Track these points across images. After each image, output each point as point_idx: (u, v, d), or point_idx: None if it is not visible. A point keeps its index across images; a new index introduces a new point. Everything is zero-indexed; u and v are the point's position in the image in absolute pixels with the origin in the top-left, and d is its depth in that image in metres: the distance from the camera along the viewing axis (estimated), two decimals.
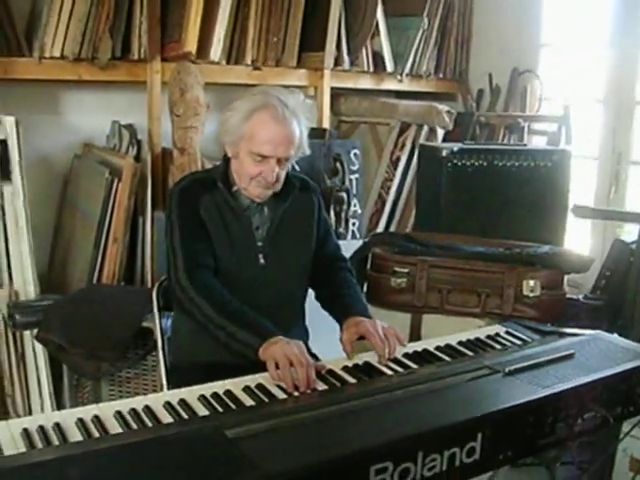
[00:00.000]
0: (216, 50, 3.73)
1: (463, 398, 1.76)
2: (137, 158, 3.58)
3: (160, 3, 3.64)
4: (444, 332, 2.37)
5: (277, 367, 1.96)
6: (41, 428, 1.60)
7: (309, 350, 2.24)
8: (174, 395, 1.84)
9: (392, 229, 4.46)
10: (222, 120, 2.33)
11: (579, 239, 4.30)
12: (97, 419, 1.66)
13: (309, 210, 2.48)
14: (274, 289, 2.35)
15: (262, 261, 2.34)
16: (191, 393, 1.85)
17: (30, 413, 3.28)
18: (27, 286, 3.26)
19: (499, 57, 4.74)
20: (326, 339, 2.31)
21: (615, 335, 2.34)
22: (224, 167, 2.38)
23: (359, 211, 4.27)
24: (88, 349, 3.00)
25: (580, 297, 3.34)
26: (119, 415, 1.69)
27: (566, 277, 3.01)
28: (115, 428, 1.64)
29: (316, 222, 2.49)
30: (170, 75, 3.58)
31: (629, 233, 3.78)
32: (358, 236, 4.17)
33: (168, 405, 1.77)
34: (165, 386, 2.47)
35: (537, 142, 4.48)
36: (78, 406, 3.14)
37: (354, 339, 2.19)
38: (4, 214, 3.19)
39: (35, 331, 3.12)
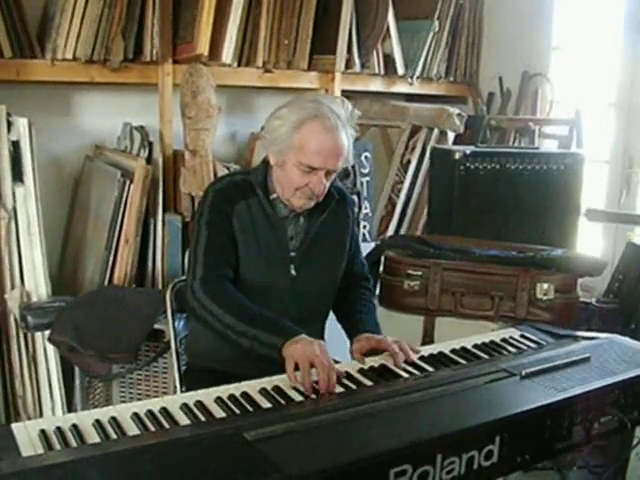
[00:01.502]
0: (227, 52, 3.72)
1: (481, 401, 1.76)
2: (148, 160, 3.58)
3: (172, 5, 3.64)
4: (457, 335, 2.36)
5: (297, 367, 1.94)
6: (58, 429, 1.60)
7: None
8: (191, 397, 1.83)
9: (402, 232, 4.45)
10: (268, 128, 2.25)
11: (591, 242, 4.28)
12: (114, 420, 1.66)
13: (345, 223, 2.45)
14: (303, 301, 2.32)
15: (293, 272, 2.31)
16: (208, 395, 1.84)
17: (41, 414, 3.28)
18: (39, 288, 3.26)
19: (510, 60, 4.73)
20: (341, 350, 2.30)
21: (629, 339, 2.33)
22: (264, 173, 2.32)
23: (370, 214, 4.27)
24: (100, 351, 3.00)
25: (593, 300, 3.33)
26: (136, 417, 1.69)
27: (580, 281, 3.00)
28: (132, 430, 1.64)
29: (349, 237, 2.46)
30: (182, 77, 3.58)
31: None
32: (369, 239, 4.16)
33: (185, 407, 1.76)
34: (179, 388, 2.47)
35: (548, 146, 4.47)
36: (89, 408, 3.17)
37: (364, 351, 2.17)
38: (16, 215, 3.19)
39: (47, 333, 3.12)
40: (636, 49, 4.11)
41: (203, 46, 3.60)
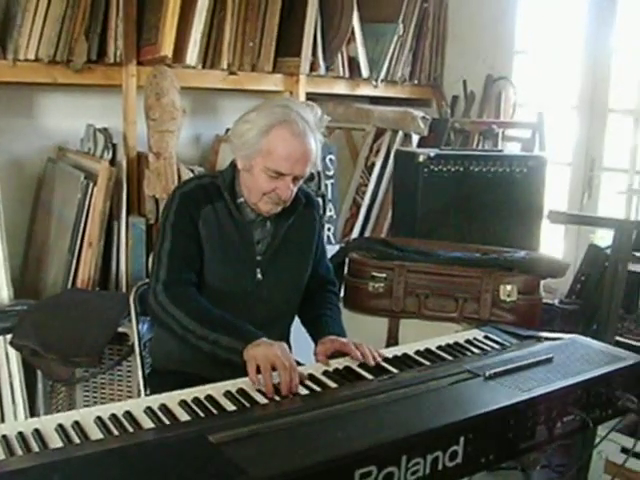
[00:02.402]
0: (192, 54, 3.70)
1: (445, 402, 1.77)
2: (112, 162, 3.55)
3: (136, 6, 3.61)
4: (422, 337, 2.38)
5: (259, 370, 1.94)
6: (20, 434, 1.58)
7: None
8: (155, 400, 1.82)
9: (367, 234, 4.45)
10: (236, 132, 2.24)
11: (553, 244, 4.33)
12: (77, 425, 1.65)
13: (311, 227, 2.45)
14: (269, 305, 2.32)
15: (259, 276, 2.31)
16: (172, 398, 1.83)
17: (2, 420, 3.23)
18: (1, 291, 3.22)
19: (474, 63, 4.76)
20: (306, 353, 2.29)
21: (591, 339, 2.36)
22: (231, 176, 2.32)
23: (334, 216, 4.27)
24: (63, 354, 2.97)
25: (555, 302, 3.37)
26: (99, 421, 1.67)
27: (543, 282, 3.04)
28: (96, 434, 1.63)
29: (316, 240, 2.46)
30: (146, 79, 3.56)
31: (602, 238, 3.81)
32: (333, 241, 4.17)
33: (149, 410, 1.75)
34: (143, 391, 2.45)
35: (511, 148, 4.51)
36: (52, 412, 3.13)
37: (328, 353, 2.17)
38: None
39: (8, 337, 3.08)
40: (597, 53, 4.17)
41: (167, 48, 3.58)
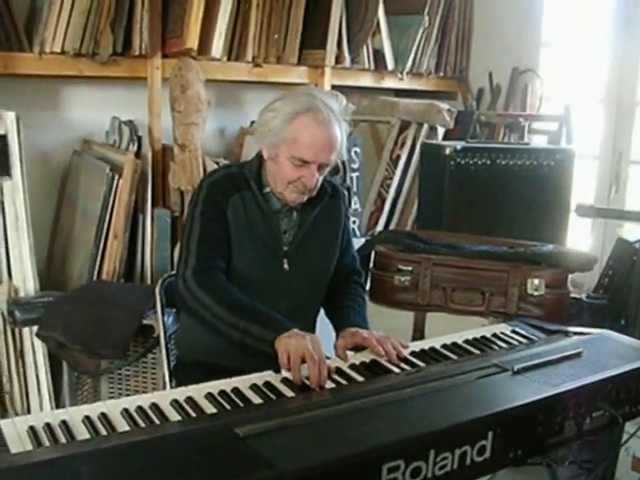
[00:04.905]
0: (217, 46, 3.70)
1: (473, 396, 1.75)
2: (137, 154, 3.55)
3: None
4: (447, 331, 2.35)
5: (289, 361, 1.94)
6: (47, 426, 1.58)
7: None
8: (181, 393, 1.81)
9: (392, 227, 4.44)
10: (261, 121, 2.25)
11: (580, 238, 4.29)
12: (104, 416, 1.64)
13: (337, 217, 2.44)
14: (294, 295, 2.32)
15: (286, 266, 2.30)
16: (198, 391, 1.82)
17: (29, 411, 3.26)
18: (27, 283, 3.23)
19: (500, 56, 4.73)
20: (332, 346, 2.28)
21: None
22: (257, 166, 2.32)
23: (359, 209, 4.26)
24: (88, 346, 2.98)
25: (583, 296, 3.33)
26: (126, 413, 1.67)
27: (571, 276, 3.01)
28: (122, 426, 1.62)
29: (342, 231, 2.46)
30: (171, 71, 3.56)
31: (630, 232, 3.78)
32: (359, 234, 4.15)
33: (175, 403, 1.75)
34: (168, 384, 2.45)
35: (538, 141, 4.47)
36: (77, 404, 3.15)
37: (348, 347, 2.15)
38: (4, 210, 3.16)
39: (35, 328, 3.10)
40: (625, 45, 4.12)
41: (192, 40, 3.59)
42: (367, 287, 2.97)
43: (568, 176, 3.59)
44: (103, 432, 1.59)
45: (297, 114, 2.16)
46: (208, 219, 2.26)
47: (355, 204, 4.19)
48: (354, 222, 4.15)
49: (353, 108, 2.30)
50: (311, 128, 2.15)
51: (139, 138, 3.64)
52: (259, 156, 2.32)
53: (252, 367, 1.99)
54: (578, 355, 2.01)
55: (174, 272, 2.38)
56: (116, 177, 3.40)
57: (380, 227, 4.40)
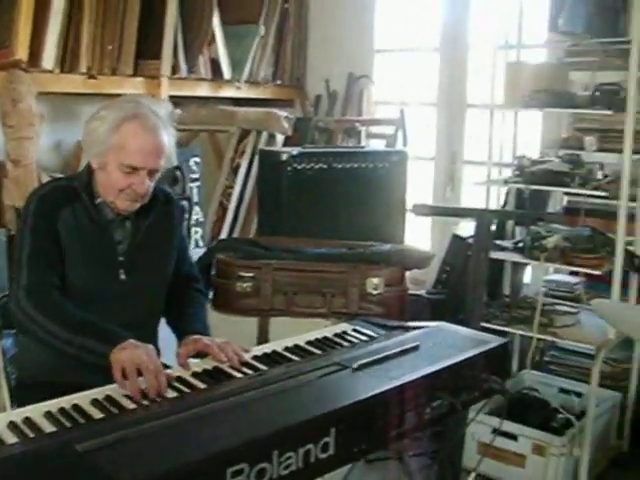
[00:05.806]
0: (49, 57, 3.58)
1: (314, 395, 1.76)
2: None
3: None
4: (292, 334, 2.36)
5: (125, 374, 1.89)
6: None
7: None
8: (18, 414, 1.73)
9: (235, 236, 4.43)
10: (87, 130, 2.20)
11: (420, 237, 4.41)
12: None
13: (171, 225, 2.42)
14: (134, 305, 2.28)
15: (123, 276, 2.26)
16: (37, 410, 1.74)
17: None
18: None
19: (335, 63, 4.83)
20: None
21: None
22: (87, 177, 2.26)
23: (201, 219, 4.23)
24: None
25: (423, 292, 3.43)
26: None
27: (410, 274, 3.08)
28: None
29: (176, 237, 2.44)
30: (0, 84, 3.41)
31: (464, 229, 3.92)
32: (201, 244, 4.13)
33: (12, 425, 1.66)
34: (9, 406, 2.35)
35: (376, 145, 4.58)
36: None
37: (190, 354, 2.13)
38: None
39: None
40: (454, 51, 4.28)
41: (22, 51, 3.46)
42: (210, 296, 2.95)
43: (402, 177, 3.69)
44: None
45: (123, 121, 2.13)
46: (39, 235, 2.19)
47: (197, 214, 4.16)
48: (196, 232, 4.12)
49: (179, 112, 2.29)
50: (138, 134, 2.13)
51: None
52: (88, 167, 2.27)
53: (96, 382, 1.93)
54: (416, 348, 2.05)
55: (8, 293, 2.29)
56: None
57: (223, 236, 4.39)
